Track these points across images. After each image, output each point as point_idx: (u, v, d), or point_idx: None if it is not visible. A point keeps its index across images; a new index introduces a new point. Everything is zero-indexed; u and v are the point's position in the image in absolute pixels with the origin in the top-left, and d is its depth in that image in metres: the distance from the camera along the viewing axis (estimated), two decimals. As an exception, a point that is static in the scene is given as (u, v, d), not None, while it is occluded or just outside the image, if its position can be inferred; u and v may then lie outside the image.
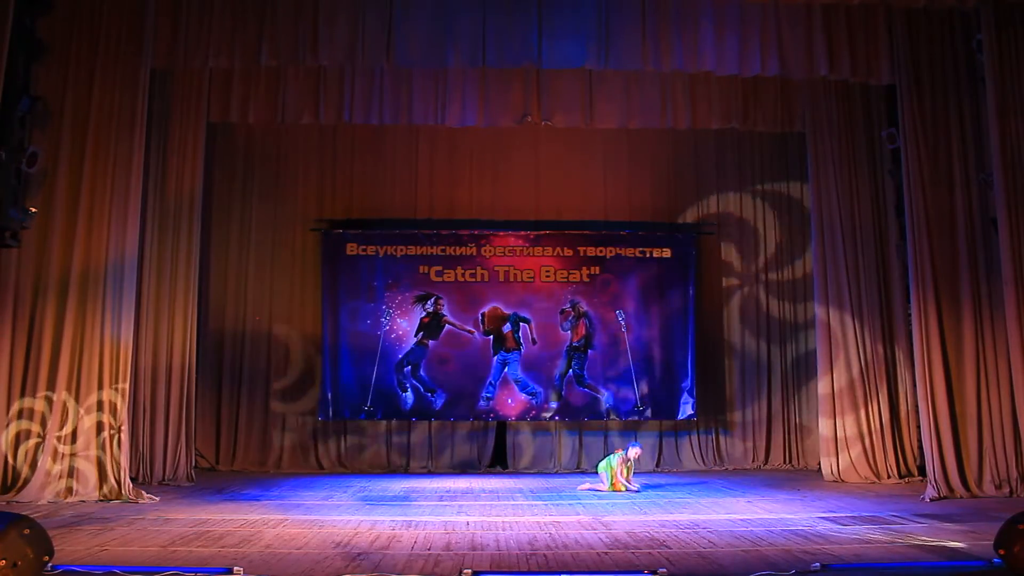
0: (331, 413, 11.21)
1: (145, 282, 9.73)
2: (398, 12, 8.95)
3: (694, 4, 8.96)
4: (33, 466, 8.22)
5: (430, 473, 11.02)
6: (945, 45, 9.13)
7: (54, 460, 8.24)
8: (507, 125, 10.50)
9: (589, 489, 9.08)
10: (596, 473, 9.33)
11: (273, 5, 8.95)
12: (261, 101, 10.16)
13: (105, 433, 8.40)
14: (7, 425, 8.26)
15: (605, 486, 9.01)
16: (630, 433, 11.38)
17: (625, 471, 9.04)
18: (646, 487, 9.33)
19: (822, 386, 10.18)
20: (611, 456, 9.23)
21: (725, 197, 12.02)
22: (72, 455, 8.31)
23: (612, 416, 11.37)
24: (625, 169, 11.94)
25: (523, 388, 11.35)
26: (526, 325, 11.46)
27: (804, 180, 11.10)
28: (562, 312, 11.50)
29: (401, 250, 11.47)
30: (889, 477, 9.72)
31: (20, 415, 8.33)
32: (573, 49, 9.07)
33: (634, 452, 9.26)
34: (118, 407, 8.49)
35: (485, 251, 11.55)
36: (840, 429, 9.89)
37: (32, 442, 8.29)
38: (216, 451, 11.16)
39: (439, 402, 11.26)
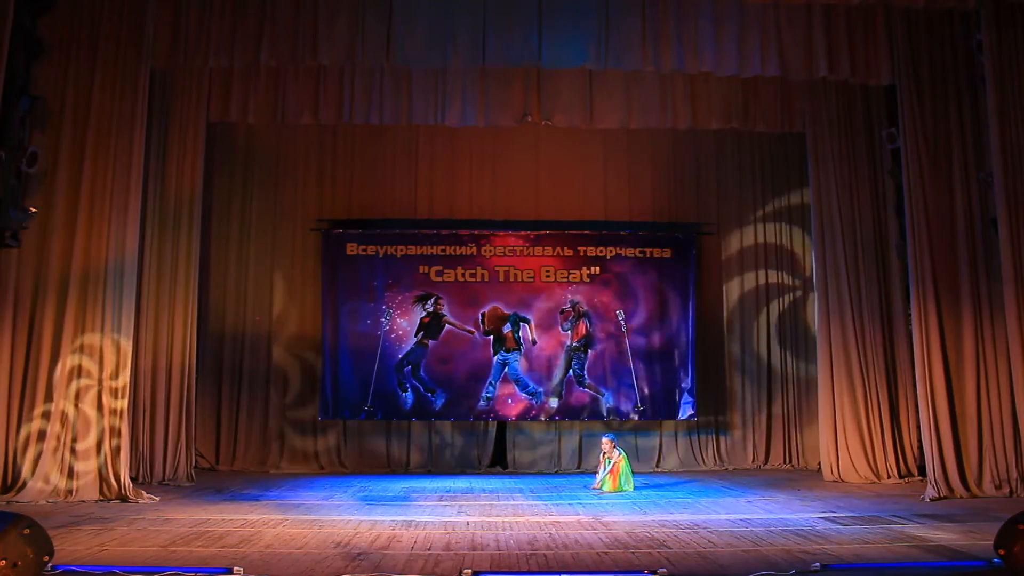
0: (331, 413, 11.21)
1: (145, 282, 9.74)
2: (398, 12, 8.95)
3: (694, 4, 8.96)
4: (33, 466, 8.22)
5: (430, 473, 11.01)
6: (945, 45, 9.14)
7: (54, 460, 8.24)
8: (507, 125, 10.49)
9: (598, 489, 9.13)
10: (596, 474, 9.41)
11: (273, 5, 8.96)
12: (261, 101, 10.15)
13: (105, 433, 8.40)
14: (7, 425, 8.26)
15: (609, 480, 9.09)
16: (630, 433, 11.38)
17: (606, 462, 9.18)
18: (646, 487, 9.34)
19: (822, 386, 10.18)
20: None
21: (725, 197, 12.02)
22: (72, 455, 8.31)
23: (612, 416, 11.37)
24: (625, 169, 11.94)
25: (523, 388, 11.35)
26: (526, 325, 11.46)
27: (804, 180, 11.10)
28: (562, 312, 11.50)
29: (401, 250, 11.47)
30: (889, 477, 9.72)
31: (20, 415, 8.32)
32: (573, 49, 9.06)
33: (606, 444, 9.33)
34: (118, 407, 8.50)
35: (485, 251, 11.54)
36: (840, 429, 9.89)
37: (32, 442, 8.28)
38: (216, 451, 11.15)
39: (439, 402, 11.26)
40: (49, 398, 8.36)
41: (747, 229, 11.98)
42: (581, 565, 5.46)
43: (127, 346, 8.65)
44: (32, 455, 8.26)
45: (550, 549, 5.91)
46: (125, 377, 8.60)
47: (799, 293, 11.83)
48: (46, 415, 8.33)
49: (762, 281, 11.90)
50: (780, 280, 11.91)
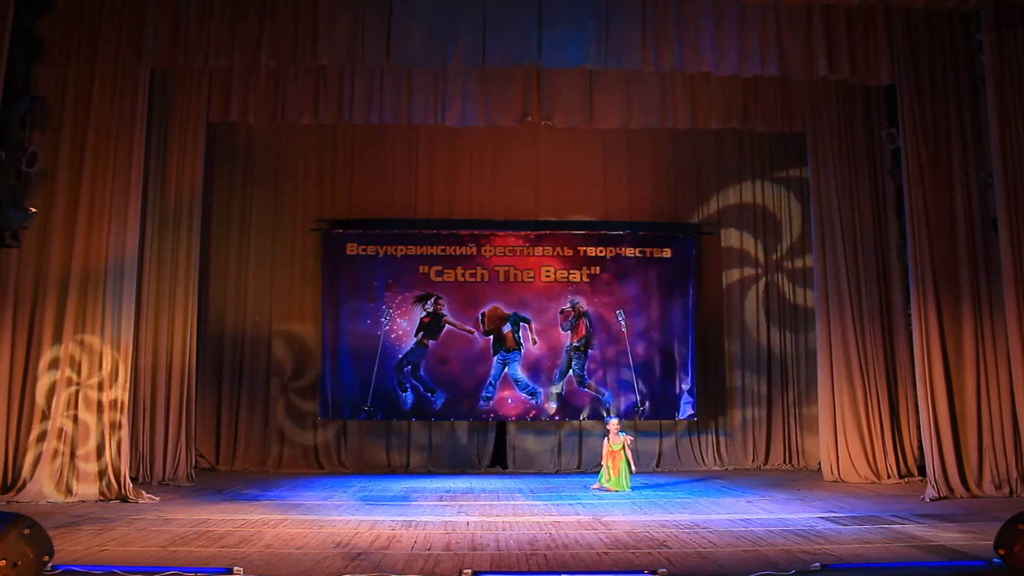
0: (331, 413, 11.21)
1: (145, 282, 9.73)
2: (398, 11, 8.95)
3: (694, 4, 8.96)
4: (33, 466, 8.22)
5: (430, 473, 11.01)
6: (945, 45, 9.14)
7: (54, 460, 8.24)
8: (507, 125, 10.49)
9: (599, 488, 9.11)
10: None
11: (273, 5, 8.95)
12: (261, 101, 10.15)
13: (105, 433, 8.40)
14: (7, 424, 8.26)
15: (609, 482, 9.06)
16: (630, 433, 11.34)
17: (610, 445, 9.16)
18: (646, 487, 9.34)
19: (822, 386, 10.18)
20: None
21: (725, 197, 12.02)
22: (72, 455, 8.31)
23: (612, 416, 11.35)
24: (625, 169, 11.94)
25: (523, 388, 11.35)
26: (526, 325, 11.46)
27: (804, 180, 11.09)
28: (562, 312, 11.50)
29: (401, 250, 11.47)
30: (889, 477, 9.72)
31: (20, 414, 8.32)
32: (573, 48, 9.06)
33: (612, 425, 9.34)
34: (118, 407, 8.50)
35: (485, 251, 11.54)
36: (840, 429, 9.88)
37: (32, 442, 8.28)
38: (216, 451, 11.15)
39: (439, 402, 11.26)
40: (49, 398, 8.36)
41: (747, 229, 11.97)
42: (581, 565, 5.46)
43: (127, 346, 8.65)
44: (32, 454, 8.26)
45: (550, 549, 5.91)
46: (125, 377, 8.59)
47: (799, 292, 11.83)
48: (46, 415, 8.33)
49: (762, 280, 11.90)
50: (780, 280, 11.90)
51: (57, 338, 8.43)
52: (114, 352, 8.54)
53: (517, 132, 11.28)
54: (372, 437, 11.43)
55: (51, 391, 8.37)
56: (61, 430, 8.31)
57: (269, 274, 11.57)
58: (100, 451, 8.37)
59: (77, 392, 8.42)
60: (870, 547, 5.92)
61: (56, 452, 8.27)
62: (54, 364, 8.40)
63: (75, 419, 8.37)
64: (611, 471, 9.12)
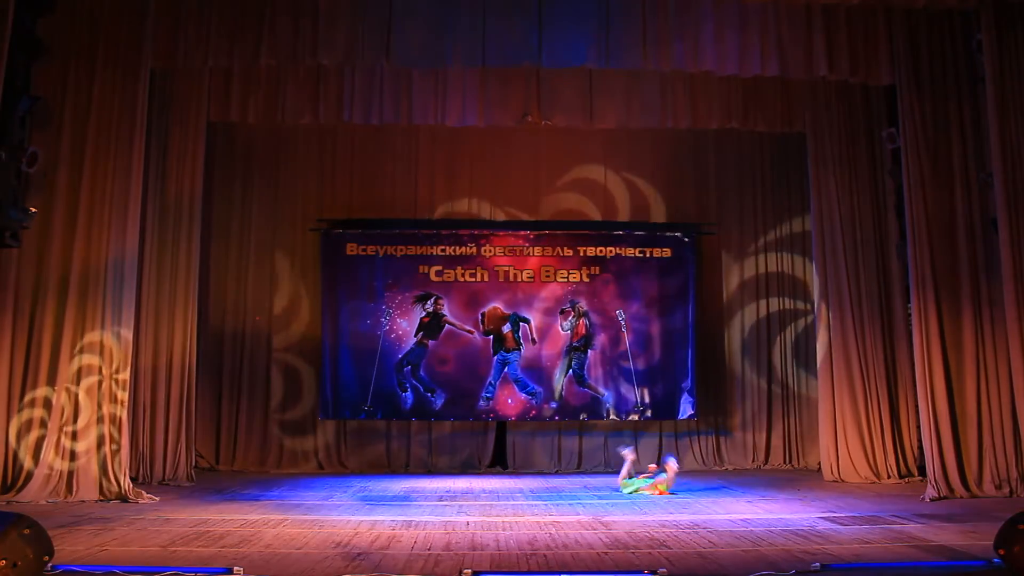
0: (331, 413, 11.21)
1: (145, 282, 9.73)
2: (398, 11, 8.94)
3: (694, 4, 8.95)
4: (33, 466, 8.22)
5: (430, 473, 11.01)
6: (945, 45, 9.13)
7: (54, 460, 8.24)
8: (507, 125, 10.49)
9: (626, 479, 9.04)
10: (600, 474, 9.36)
11: (273, 5, 8.95)
12: (261, 101, 10.15)
13: (105, 433, 8.40)
14: (7, 425, 8.26)
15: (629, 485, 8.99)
16: (629, 433, 11.38)
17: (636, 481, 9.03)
18: (646, 487, 9.35)
19: (822, 386, 10.19)
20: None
21: (725, 197, 12.01)
22: (72, 455, 8.31)
23: (612, 416, 11.37)
24: (625, 169, 11.94)
25: (523, 388, 11.35)
26: (526, 325, 11.46)
27: (804, 180, 11.09)
28: (562, 312, 11.50)
29: (401, 250, 11.47)
30: (889, 477, 9.72)
31: (20, 415, 8.32)
32: (573, 48, 9.05)
33: (628, 455, 9.24)
34: (118, 407, 8.50)
35: (485, 251, 11.54)
36: (840, 429, 9.88)
37: (32, 442, 8.28)
38: (216, 451, 11.15)
39: (439, 402, 11.26)
40: (48, 398, 8.36)
41: (747, 228, 11.97)
42: (581, 565, 5.46)
43: (127, 346, 8.65)
44: (32, 455, 8.26)
45: (550, 549, 5.91)
46: (125, 377, 8.60)
47: (799, 293, 11.82)
48: (46, 415, 8.32)
49: (762, 280, 11.89)
50: (780, 279, 11.90)
51: (57, 338, 8.41)
52: (114, 352, 8.53)
53: (517, 132, 11.28)
54: (372, 437, 11.43)
55: (51, 391, 8.36)
56: (61, 430, 8.31)
57: (269, 274, 11.57)
58: (100, 451, 8.36)
59: (77, 392, 8.41)
60: (870, 547, 5.92)
61: (56, 452, 8.26)
62: (53, 364, 8.39)
63: (75, 419, 8.36)
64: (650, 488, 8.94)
